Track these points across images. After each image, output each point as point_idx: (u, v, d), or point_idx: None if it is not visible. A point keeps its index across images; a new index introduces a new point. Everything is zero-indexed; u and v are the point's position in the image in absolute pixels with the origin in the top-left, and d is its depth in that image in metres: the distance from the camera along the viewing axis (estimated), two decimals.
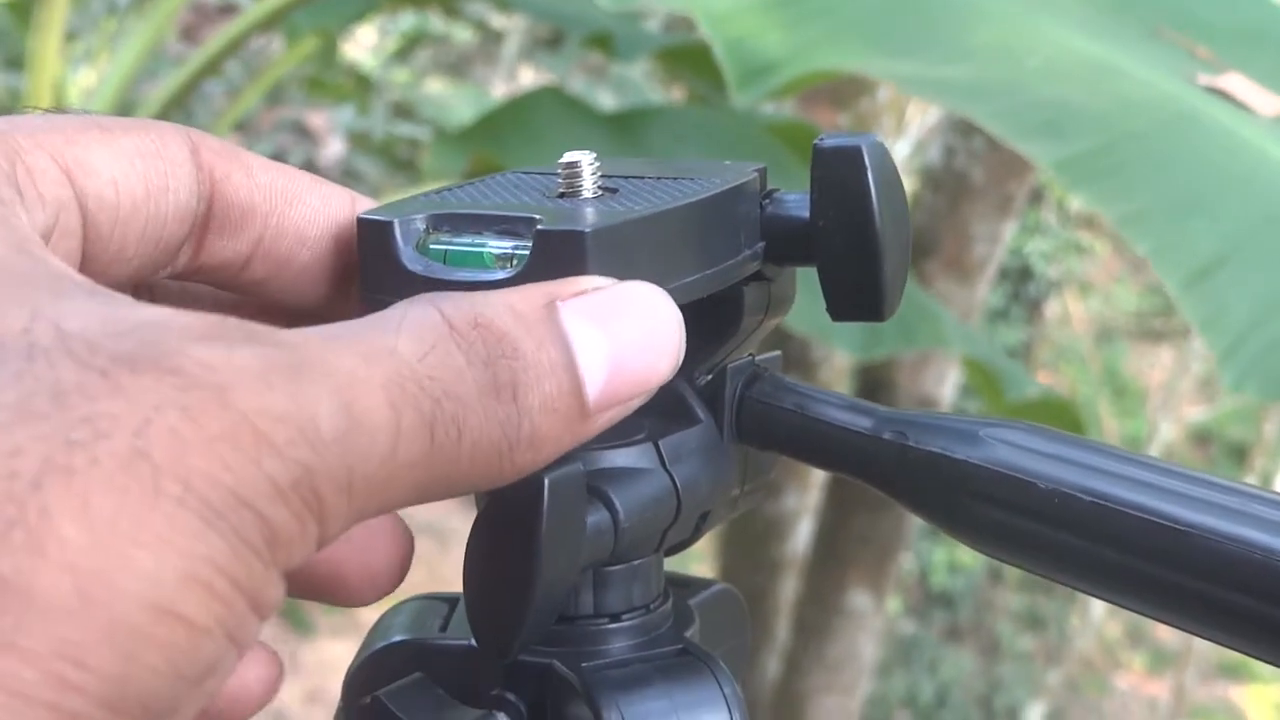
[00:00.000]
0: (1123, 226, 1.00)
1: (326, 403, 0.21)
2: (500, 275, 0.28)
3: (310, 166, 3.38)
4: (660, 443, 0.32)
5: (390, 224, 0.29)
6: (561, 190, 0.31)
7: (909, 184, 2.83)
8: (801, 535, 2.33)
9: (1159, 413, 4.61)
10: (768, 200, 0.32)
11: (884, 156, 0.31)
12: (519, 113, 1.61)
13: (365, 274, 0.30)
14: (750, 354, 0.34)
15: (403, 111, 3.68)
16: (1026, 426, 0.31)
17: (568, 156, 0.31)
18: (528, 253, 0.28)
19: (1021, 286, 4.72)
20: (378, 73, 4.01)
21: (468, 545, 0.29)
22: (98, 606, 0.18)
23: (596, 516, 0.30)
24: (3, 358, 0.20)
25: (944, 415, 0.31)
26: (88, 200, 0.27)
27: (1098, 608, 4.32)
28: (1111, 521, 0.28)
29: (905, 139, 2.85)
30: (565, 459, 0.27)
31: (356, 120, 3.42)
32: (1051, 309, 5.04)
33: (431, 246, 0.29)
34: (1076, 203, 4.72)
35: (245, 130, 3.30)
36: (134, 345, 0.20)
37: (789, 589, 2.36)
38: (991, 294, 4.49)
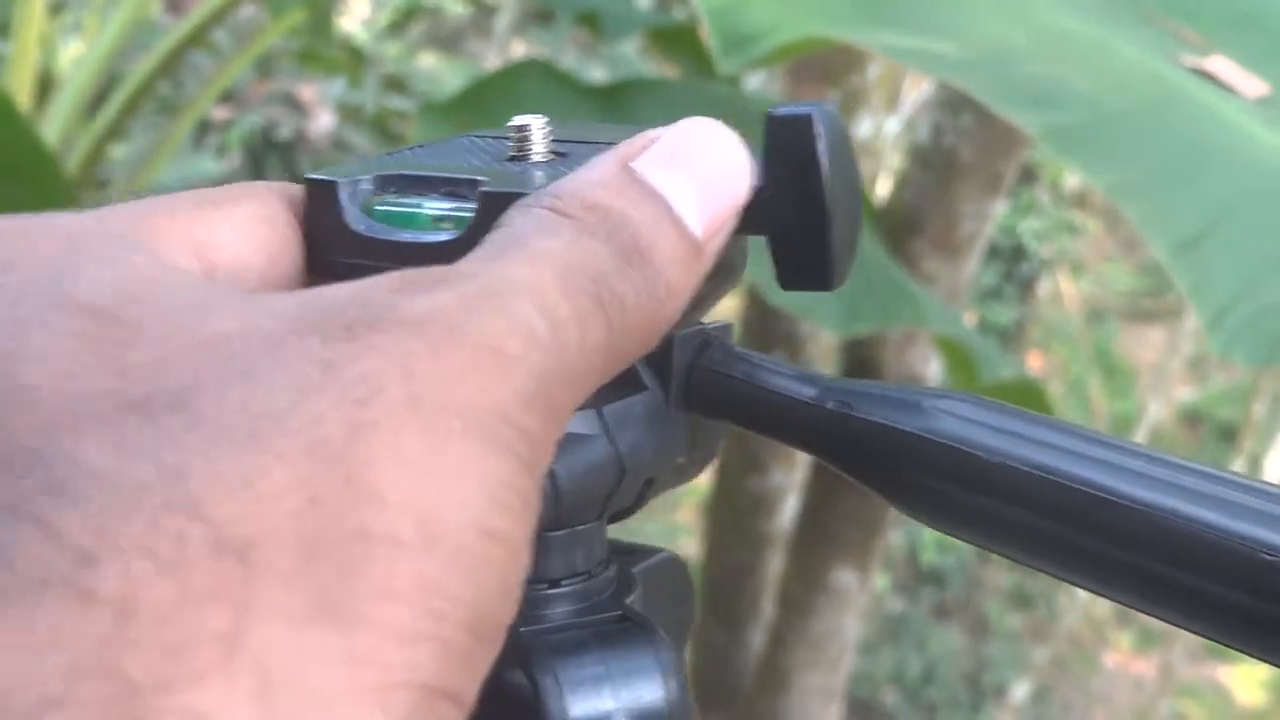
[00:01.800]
0: (1112, 193, 1.00)
1: (528, 310, 0.22)
2: (442, 237, 0.28)
3: (300, 139, 3.37)
4: (604, 409, 0.31)
5: (335, 184, 0.29)
6: (512, 153, 0.31)
7: (898, 162, 2.83)
8: (787, 512, 2.33)
9: (1149, 393, 4.62)
10: None
11: (836, 125, 0.30)
12: (505, 84, 1.60)
13: (311, 234, 0.29)
14: (700, 322, 0.34)
15: (395, 85, 3.67)
16: (973, 399, 0.30)
17: (518, 120, 0.31)
18: (470, 214, 0.28)
19: (1014, 266, 4.72)
20: (370, 46, 3.99)
21: None
22: (441, 539, 0.19)
23: None
24: (252, 350, 0.20)
25: (890, 386, 0.31)
26: (218, 274, 0.27)
27: None
28: (1055, 495, 0.28)
29: (896, 117, 2.84)
30: None
31: (348, 93, 3.40)
32: (1044, 288, 5.04)
33: (376, 208, 0.29)
34: (1070, 182, 4.72)
35: (236, 102, 3.28)
36: (356, 311, 0.21)
37: (774, 565, 2.37)
38: (984, 273, 4.49)
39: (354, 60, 3.39)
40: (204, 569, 0.18)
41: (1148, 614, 0.28)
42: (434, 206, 0.29)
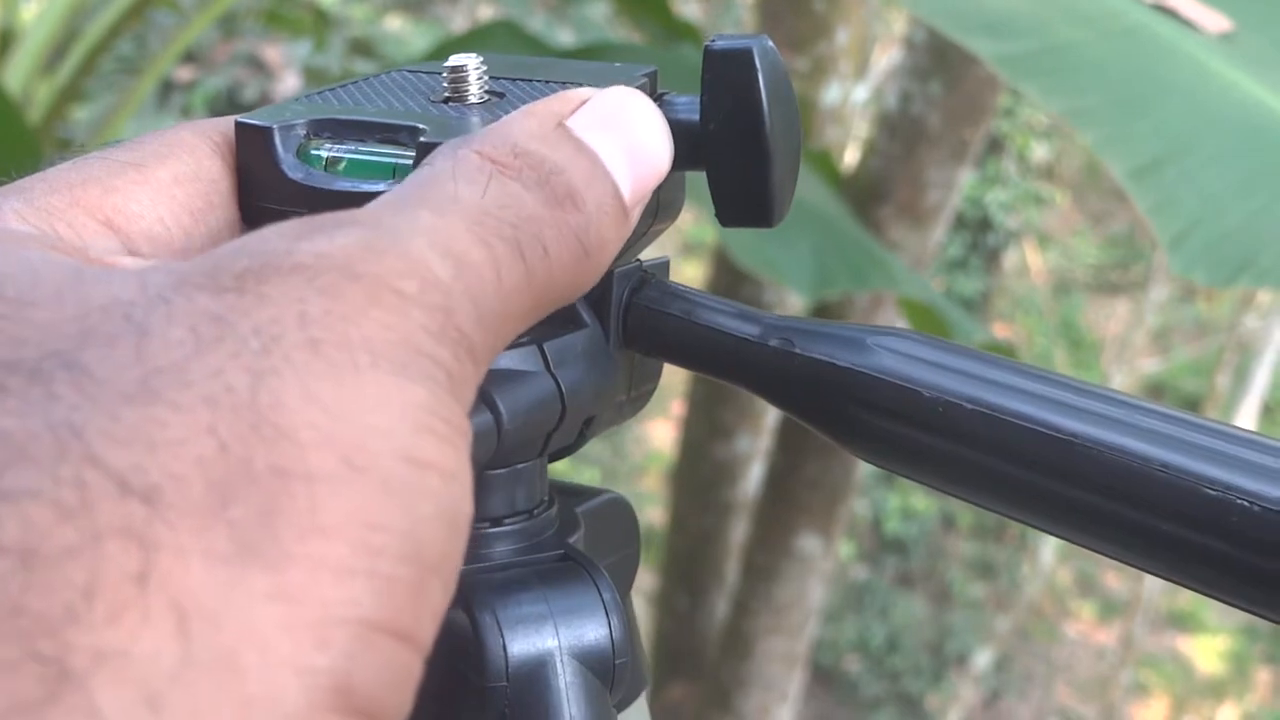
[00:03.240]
0: (1069, 119, 1.00)
1: (431, 252, 0.22)
2: (380, 187, 0.28)
3: (265, 100, 3.34)
4: (545, 345, 0.31)
5: (270, 130, 0.29)
6: (447, 94, 0.30)
7: (865, 130, 2.83)
8: (753, 479, 2.34)
9: (1114, 364, 4.65)
10: (658, 104, 0.31)
11: (775, 59, 0.30)
12: (472, 46, 1.59)
13: (244, 181, 0.29)
14: (638, 260, 0.34)
15: (361, 48, 3.64)
16: (915, 335, 0.30)
17: (454, 59, 0.30)
18: (409, 163, 0.28)
19: (980, 236, 4.73)
20: (336, 8, 3.96)
21: None
22: (366, 470, 0.19)
23: (479, 417, 0.29)
24: (144, 309, 0.20)
25: (832, 323, 0.31)
26: (139, 246, 0.27)
27: (1048, 556, 4.37)
28: (995, 430, 0.28)
29: (864, 84, 2.84)
30: None
31: (314, 55, 3.38)
32: (1010, 260, 5.06)
33: (312, 153, 0.29)
34: (1037, 154, 4.73)
35: (200, 62, 3.25)
36: (248, 261, 0.21)
37: (739, 532, 2.37)
38: (950, 244, 4.50)
39: (320, 22, 3.36)
40: (108, 512, 0.18)
41: (1095, 550, 0.28)
42: (370, 152, 0.28)
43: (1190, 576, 0.27)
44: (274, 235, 0.22)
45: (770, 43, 0.30)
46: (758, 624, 2.30)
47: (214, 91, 3.26)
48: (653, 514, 3.39)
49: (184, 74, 3.27)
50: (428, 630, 0.20)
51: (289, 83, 3.28)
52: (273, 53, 3.29)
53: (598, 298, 0.33)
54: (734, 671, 2.34)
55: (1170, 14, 1.09)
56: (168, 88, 3.24)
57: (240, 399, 0.19)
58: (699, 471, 2.39)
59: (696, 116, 0.30)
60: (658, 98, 0.31)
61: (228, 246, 0.22)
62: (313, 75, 3.35)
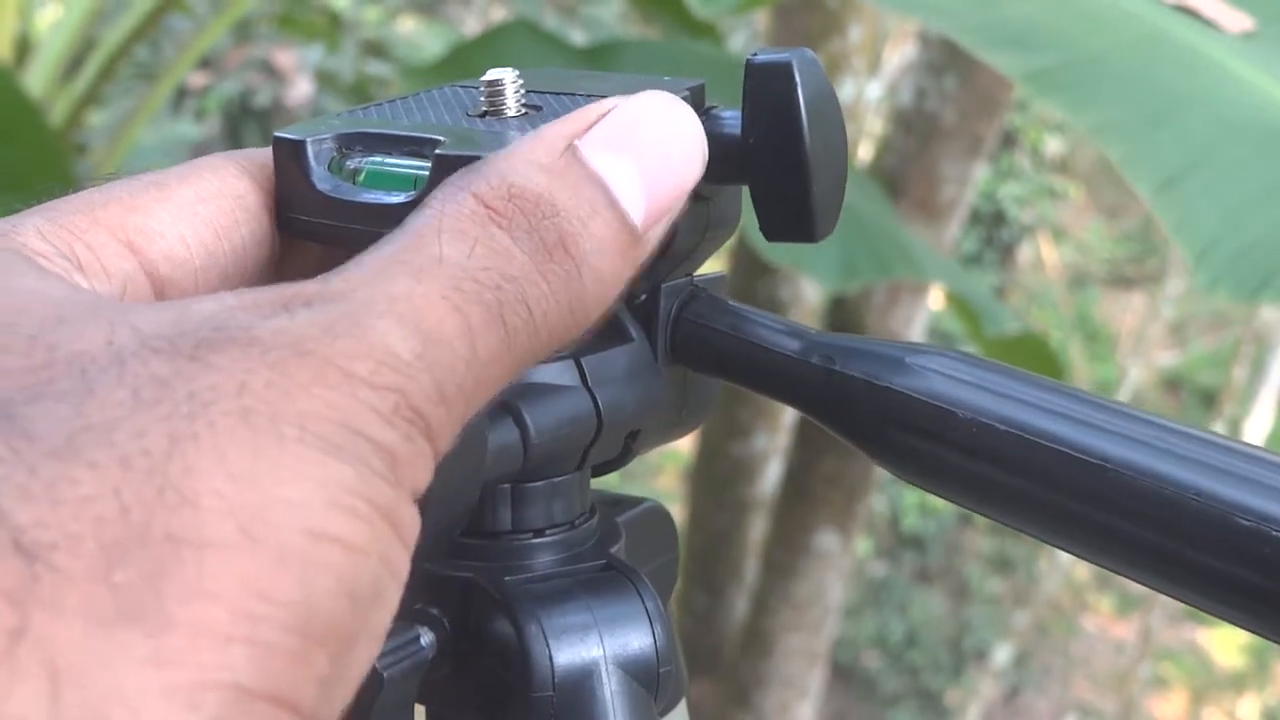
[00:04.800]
0: (1092, 134, 1.00)
1: (395, 331, 0.22)
2: (399, 199, 0.28)
3: (278, 106, 3.35)
4: (582, 360, 0.31)
5: (302, 143, 0.29)
6: (484, 109, 0.30)
7: (880, 126, 2.82)
8: (770, 476, 2.34)
9: (1129, 358, 4.63)
10: (703, 117, 0.32)
11: (816, 72, 0.30)
12: (490, 46, 1.59)
13: (280, 192, 0.29)
14: (688, 274, 0.34)
15: (374, 50, 3.64)
16: (956, 355, 0.30)
17: (490, 74, 0.30)
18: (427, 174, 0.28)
19: (995, 231, 4.72)
20: (349, 11, 3.96)
21: None
22: (263, 540, 0.19)
23: (504, 432, 0.30)
24: (100, 366, 0.21)
25: (875, 341, 0.31)
26: (158, 265, 0.28)
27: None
28: (1027, 452, 0.28)
29: (878, 81, 2.84)
30: None
31: (326, 59, 3.38)
32: (1024, 254, 5.05)
33: (344, 165, 0.29)
34: (1051, 147, 4.72)
35: (213, 68, 3.26)
36: (209, 331, 0.21)
37: (758, 529, 2.37)
38: (965, 238, 4.49)
39: (332, 26, 3.36)
40: None
41: (1125, 576, 0.28)
42: (395, 165, 0.29)
43: (1222, 606, 0.26)
44: (242, 309, 0.22)
45: (812, 55, 0.30)
46: (777, 621, 2.30)
47: (227, 97, 3.26)
48: (670, 513, 3.38)
49: (196, 79, 3.27)
50: (311, 697, 0.20)
51: (301, 87, 3.29)
52: (285, 57, 3.30)
53: (645, 312, 0.33)
54: (754, 669, 2.34)
55: (1191, 14, 1.09)
56: (181, 93, 3.25)
57: (154, 461, 0.19)
58: (717, 469, 2.39)
59: (739, 131, 0.30)
60: (705, 111, 0.31)
61: (199, 308, 0.22)
62: (325, 79, 3.36)
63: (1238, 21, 1.08)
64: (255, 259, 0.29)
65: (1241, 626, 0.26)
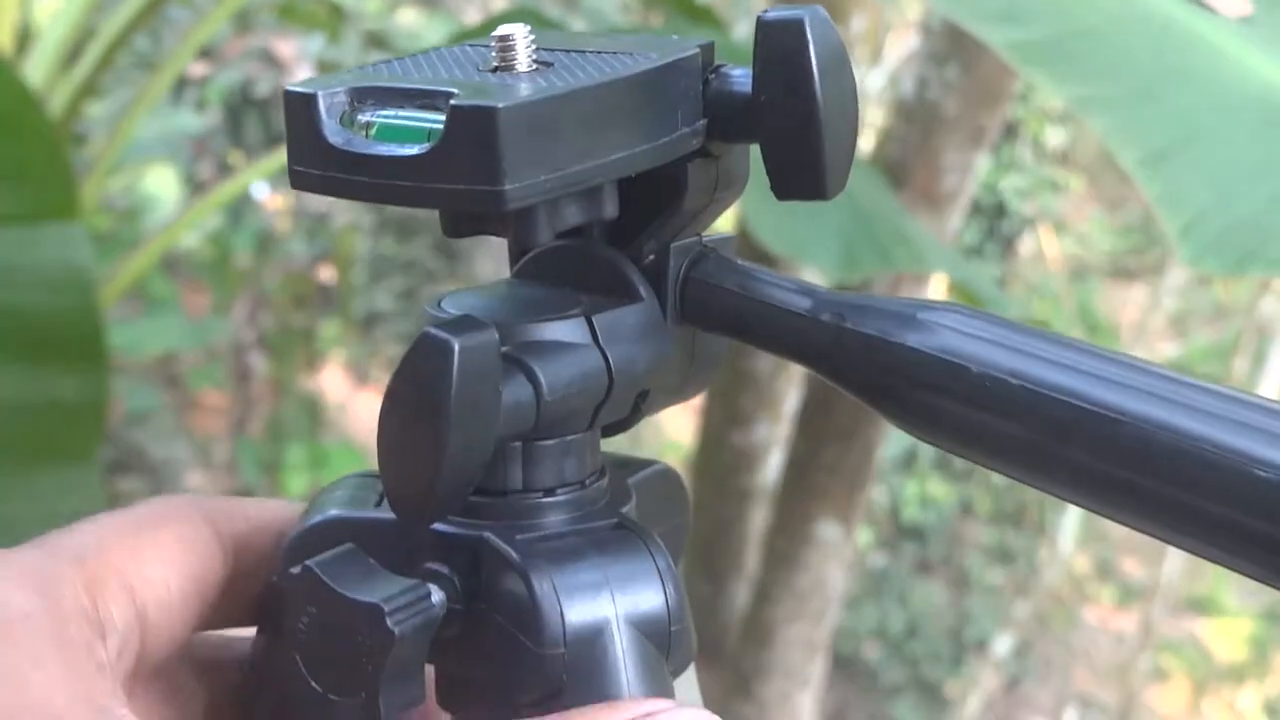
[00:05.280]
0: (1078, 108, 1.00)
1: None
2: (413, 150, 0.28)
3: (278, 95, 3.34)
4: (594, 318, 0.31)
5: (314, 96, 0.29)
6: (496, 64, 0.30)
7: (882, 117, 2.82)
8: (772, 466, 2.34)
9: (1131, 349, 4.62)
10: (713, 75, 0.32)
11: (828, 30, 0.30)
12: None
13: (291, 146, 0.29)
14: (698, 234, 0.34)
15: (375, 41, 3.64)
16: (967, 310, 0.30)
17: (501, 29, 0.30)
18: (441, 126, 0.28)
19: (996, 223, 4.72)
20: (350, 1, 3.96)
21: (380, 410, 0.29)
22: None
23: (517, 388, 0.30)
24: None
25: (885, 298, 0.31)
26: (148, 610, 0.31)
27: (1066, 542, 4.36)
28: (1041, 406, 0.28)
29: (879, 70, 2.83)
30: (480, 326, 0.27)
31: (327, 49, 3.37)
32: (1026, 246, 5.04)
33: (356, 119, 0.29)
34: (1052, 139, 4.72)
35: (214, 57, 3.26)
36: None
37: (759, 519, 2.37)
38: (966, 230, 4.49)
39: (333, 16, 3.35)
40: None
41: (1145, 532, 0.28)
42: (408, 118, 0.29)
43: (1239, 559, 0.26)
44: None
45: (824, 12, 0.30)
46: (778, 611, 2.30)
47: (227, 86, 3.26)
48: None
49: (197, 69, 3.27)
50: None
51: (301, 78, 3.28)
52: (286, 47, 3.29)
53: (655, 272, 0.33)
54: (755, 659, 2.34)
55: None
56: (181, 83, 3.24)
57: None
58: (718, 459, 2.39)
59: (750, 88, 0.30)
60: (714, 70, 0.31)
61: None
62: (326, 69, 3.36)
63: (1235, 6, 1.07)
64: (210, 599, 0.33)
65: (1259, 580, 0.26)
